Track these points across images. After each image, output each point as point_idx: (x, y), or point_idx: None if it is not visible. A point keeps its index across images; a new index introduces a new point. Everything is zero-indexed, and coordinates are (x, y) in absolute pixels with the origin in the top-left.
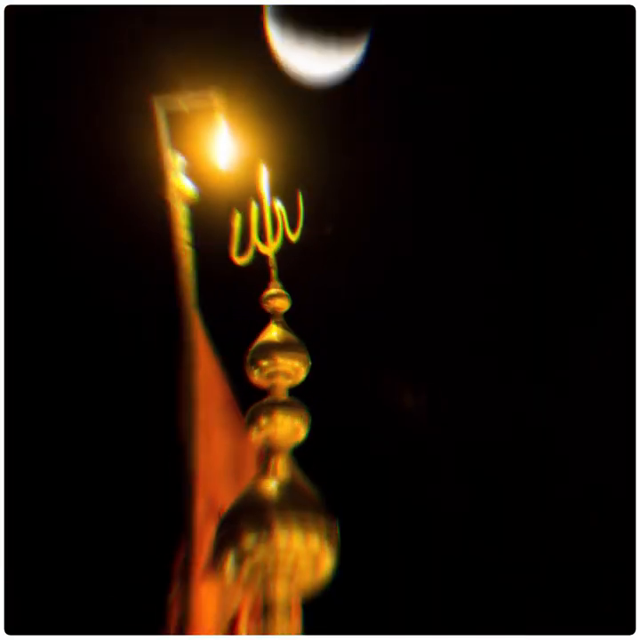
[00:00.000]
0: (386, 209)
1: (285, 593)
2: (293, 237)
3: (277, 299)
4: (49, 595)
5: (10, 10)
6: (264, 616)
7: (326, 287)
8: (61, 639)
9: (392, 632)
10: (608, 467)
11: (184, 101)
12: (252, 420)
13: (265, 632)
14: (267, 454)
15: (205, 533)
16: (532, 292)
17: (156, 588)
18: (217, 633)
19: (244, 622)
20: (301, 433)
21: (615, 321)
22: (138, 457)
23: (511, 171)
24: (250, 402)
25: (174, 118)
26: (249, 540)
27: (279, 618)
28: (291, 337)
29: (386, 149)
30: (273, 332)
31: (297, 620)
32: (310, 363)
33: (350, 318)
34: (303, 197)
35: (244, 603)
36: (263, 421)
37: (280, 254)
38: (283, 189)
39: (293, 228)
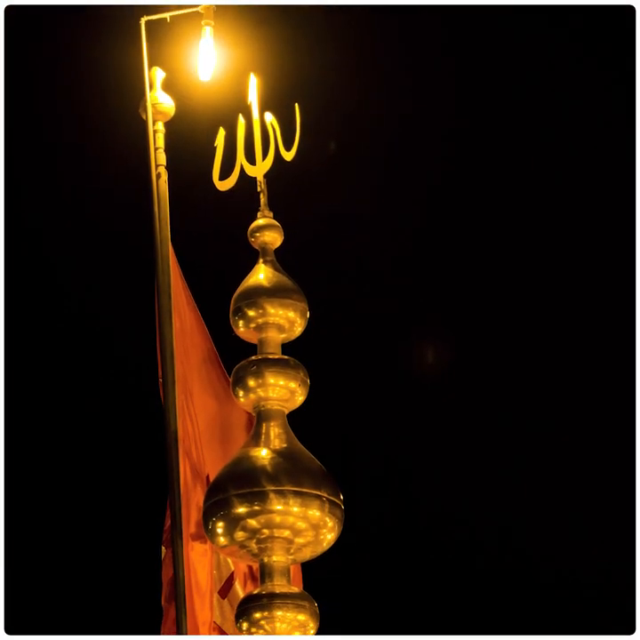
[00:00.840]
0: (389, 124)
1: (284, 558)
2: (288, 156)
3: (267, 231)
4: (49, 595)
5: (10, 10)
6: (262, 580)
7: (327, 216)
8: (61, 639)
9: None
10: (608, 465)
11: (171, 16)
12: (237, 381)
13: (263, 592)
14: (258, 420)
15: (192, 498)
16: None
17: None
18: (211, 597)
19: (240, 585)
20: (298, 397)
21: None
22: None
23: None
24: (236, 360)
25: (160, 33)
26: (241, 508)
27: (278, 581)
28: (284, 280)
29: (387, 63)
30: (261, 274)
31: (298, 583)
32: (308, 313)
33: (357, 256)
34: (301, 111)
35: (240, 566)
36: (251, 382)
37: (271, 177)
38: (277, 104)
39: (288, 145)
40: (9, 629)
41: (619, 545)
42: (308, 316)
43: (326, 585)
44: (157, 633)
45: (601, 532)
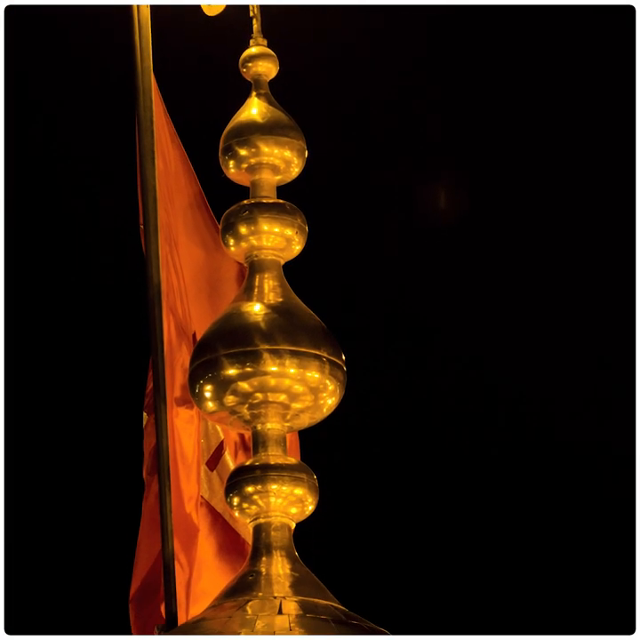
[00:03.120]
0: None
1: (279, 426)
2: None
3: (260, 61)
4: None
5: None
6: (255, 449)
7: (333, 43)
8: (61, 639)
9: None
10: (610, 462)
11: None
12: (227, 228)
13: (256, 463)
14: (251, 272)
15: (177, 359)
16: None
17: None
18: (197, 469)
19: (231, 456)
20: (295, 246)
21: None
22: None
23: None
24: (226, 205)
25: None
26: (231, 369)
27: (272, 451)
28: (279, 115)
29: None
30: (254, 109)
31: (295, 453)
32: (307, 152)
33: (359, 89)
34: None
35: (230, 435)
36: (242, 229)
37: None
38: None
39: None
40: (9, 629)
41: (618, 544)
42: (305, 155)
43: (325, 456)
44: (137, 509)
45: (600, 532)
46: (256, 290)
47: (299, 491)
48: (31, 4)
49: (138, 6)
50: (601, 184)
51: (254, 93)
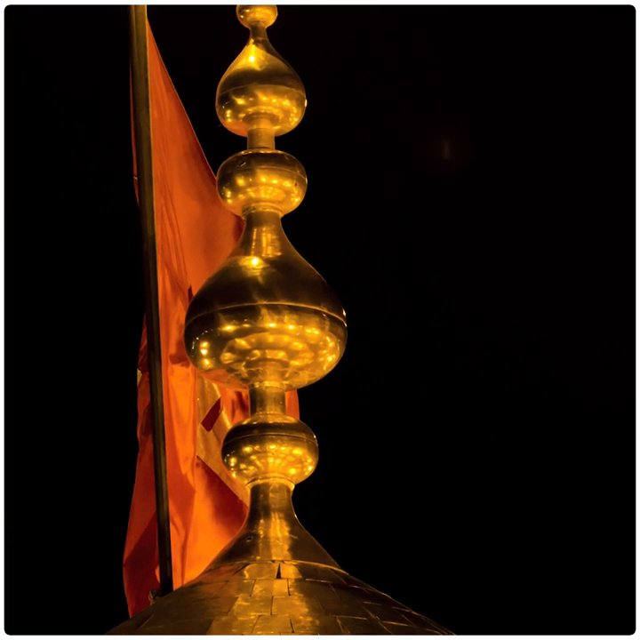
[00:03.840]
0: None
1: (278, 384)
2: None
3: (259, 7)
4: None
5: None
6: (252, 408)
7: None
8: (61, 639)
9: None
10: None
11: None
12: (224, 180)
13: (253, 422)
14: (248, 225)
15: (172, 314)
16: None
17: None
18: (193, 428)
19: (227, 415)
20: (294, 198)
21: None
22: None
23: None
24: (223, 156)
25: None
26: (228, 325)
27: (271, 410)
28: (278, 63)
29: None
30: (251, 56)
31: (294, 412)
32: (306, 101)
33: (362, 33)
34: None
35: (227, 393)
36: (240, 181)
37: None
38: None
39: None
40: (9, 629)
41: (618, 544)
42: (305, 104)
43: (325, 415)
44: (132, 469)
45: (600, 531)
46: (254, 243)
47: (298, 451)
48: (31, 4)
49: None
50: (603, 138)
51: (252, 41)
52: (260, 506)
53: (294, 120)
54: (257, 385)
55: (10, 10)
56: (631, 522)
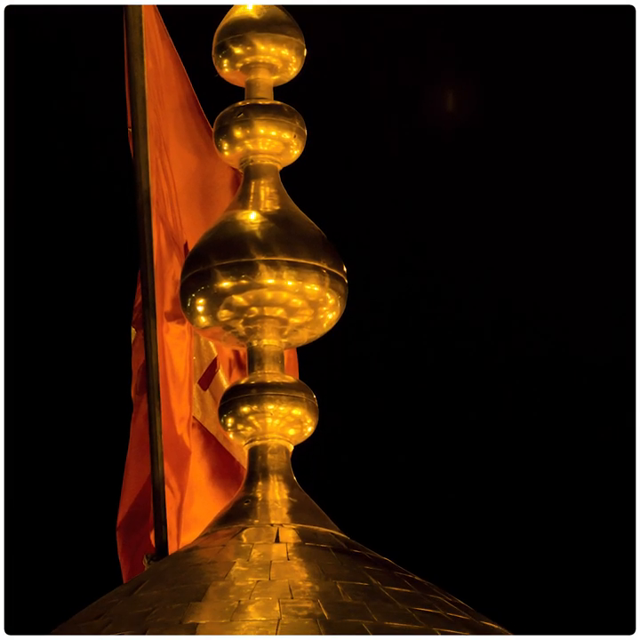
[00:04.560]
0: None
1: (276, 342)
2: None
3: None
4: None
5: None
6: (250, 367)
7: None
8: (61, 639)
9: None
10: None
11: None
12: (221, 132)
13: (251, 381)
14: (246, 178)
15: (168, 270)
16: None
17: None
18: (189, 388)
19: (224, 374)
20: (293, 150)
21: None
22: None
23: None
24: (220, 107)
25: None
26: (225, 281)
27: (269, 368)
28: (277, 11)
29: None
30: (249, 4)
31: (294, 372)
32: (305, 51)
33: None
34: None
35: (224, 352)
36: (237, 133)
37: None
38: None
39: None
40: (9, 629)
41: (619, 544)
42: (304, 54)
43: (325, 374)
44: (126, 429)
45: (600, 532)
46: (252, 197)
47: (297, 411)
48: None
49: None
50: (602, 138)
51: None
52: (257, 468)
53: (293, 70)
54: (255, 343)
55: (10, 9)
56: (631, 522)
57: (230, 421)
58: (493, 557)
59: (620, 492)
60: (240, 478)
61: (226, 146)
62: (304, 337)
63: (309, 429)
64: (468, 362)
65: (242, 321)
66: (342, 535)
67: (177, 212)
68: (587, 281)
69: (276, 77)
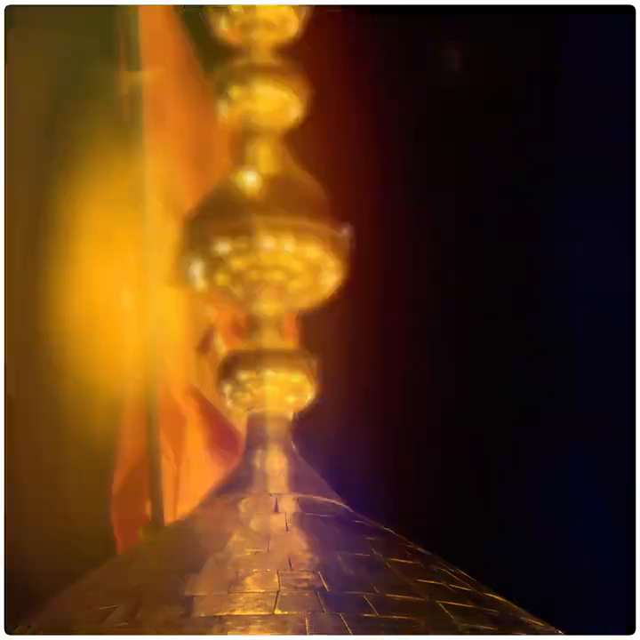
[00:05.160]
0: None
1: (276, 307)
2: None
3: None
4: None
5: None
6: (249, 332)
7: None
8: (61, 639)
9: None
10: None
11: None
12: (219, 91)
13: (250, 347)
14: (245, 139)
15: (164, 232)
16: None
17: None
18: (186, 354)
19: (222, 338)
20: (294, 111)
21: None
22: None
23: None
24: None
25: None
26: (223, 246)
27: (267, 333)
28: None
29: None
30: None
31: (293, 338)
32: (306, 8)
33: None
34: None
35: (221, 315)
36: (235, 92)
37: None
38: None
39: None
40: (9, 629)
41: (619, 544)
42: (304, 12)
43: (326, 340)
44: None
45: (600, 532)
46: (250, 159)
47: (296, 378)
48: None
49: None
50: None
51: None
52: (256, 436)
53: (293, 29)
54: (254, 309)
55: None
56: (631, 522)
57: (228, 388)
58: (493, 557)
59: (619, 492)
60: (238, 447)
61: (223, 107)
62: (304, 302)
63: (309, 397)
64: (473, 321)
65: (240, 285)
66: (343, 505)
67: (172, 175)
68: None
69: (274, 35)
